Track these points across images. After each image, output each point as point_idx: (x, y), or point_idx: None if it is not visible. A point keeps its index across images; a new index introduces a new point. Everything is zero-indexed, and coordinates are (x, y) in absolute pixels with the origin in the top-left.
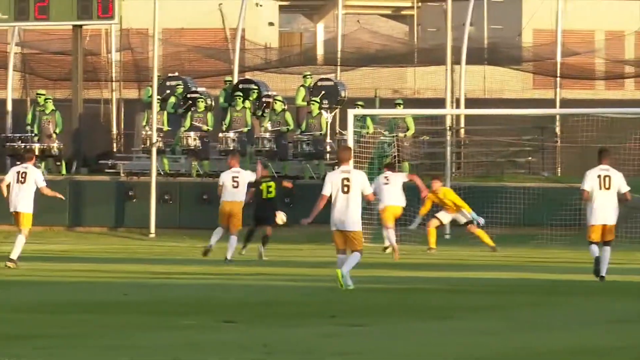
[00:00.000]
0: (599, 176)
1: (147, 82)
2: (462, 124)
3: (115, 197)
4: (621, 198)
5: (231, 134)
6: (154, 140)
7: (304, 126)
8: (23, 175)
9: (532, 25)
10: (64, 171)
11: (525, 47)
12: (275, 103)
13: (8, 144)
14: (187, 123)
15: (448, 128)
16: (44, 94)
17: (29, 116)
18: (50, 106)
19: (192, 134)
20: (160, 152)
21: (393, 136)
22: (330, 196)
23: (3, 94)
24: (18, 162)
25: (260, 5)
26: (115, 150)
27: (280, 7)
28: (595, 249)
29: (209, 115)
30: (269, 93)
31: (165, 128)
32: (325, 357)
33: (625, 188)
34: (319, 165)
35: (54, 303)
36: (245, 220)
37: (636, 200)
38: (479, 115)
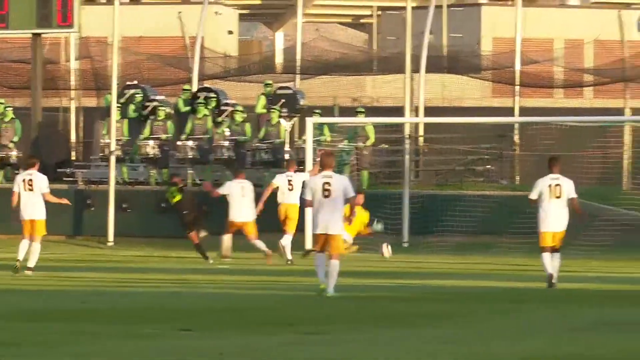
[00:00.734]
0: (550, 185)
1: (106, 90)
2: (421, 132)
3: (74, 205)
4: (569, 205)
5: (190, 143)
6: (112, 149)
7: (262, 134)
8: (30, 183)
9: (492, 33)
10: None
11: (485, 55)
12: (236, 114)
13: None
14: (147, 131)
15: (407, 136)
16: (2, 102)
17: None
18: (10, 114)
19: (150, 142)
20: (119, 160)
21: (352, 145)
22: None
23: None
24: (17, 172)
25: (220, 14)
26: (74, 158)
27: (240, 15)
28: (547, 261)
29: (169, 123)
30: (228, 101)
31: (125, 136)
32: None
33: (573, 195)
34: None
35: (8, 311)
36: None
37: (584, 216)
38: (437, 124)
